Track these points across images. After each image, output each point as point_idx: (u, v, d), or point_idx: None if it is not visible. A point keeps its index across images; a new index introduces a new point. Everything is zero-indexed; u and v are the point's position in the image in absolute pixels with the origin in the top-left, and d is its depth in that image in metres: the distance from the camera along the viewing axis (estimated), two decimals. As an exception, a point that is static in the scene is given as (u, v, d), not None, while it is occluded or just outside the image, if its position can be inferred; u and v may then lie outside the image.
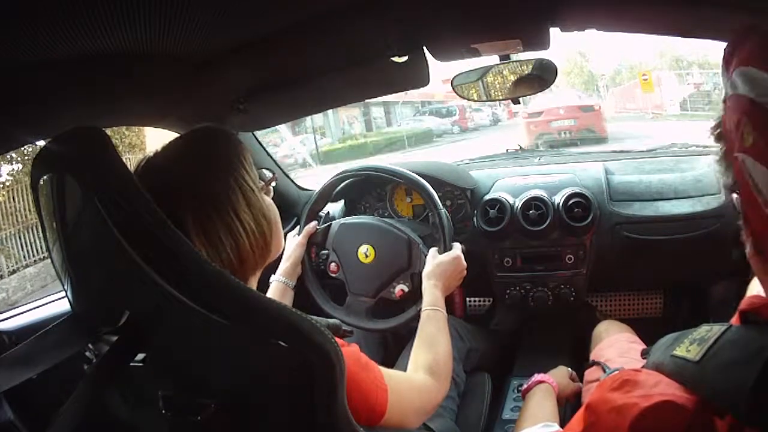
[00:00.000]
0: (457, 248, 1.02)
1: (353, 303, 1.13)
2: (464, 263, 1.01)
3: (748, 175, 0.35)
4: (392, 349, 1.29)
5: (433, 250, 1.02)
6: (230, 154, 0.59)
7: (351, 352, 0.61)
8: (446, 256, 0.99)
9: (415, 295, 1.05)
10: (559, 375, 0.97)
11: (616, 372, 0.44)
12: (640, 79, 11.36)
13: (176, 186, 0.55)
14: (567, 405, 0.97)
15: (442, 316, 0.88)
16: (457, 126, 13.93)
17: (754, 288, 0.85)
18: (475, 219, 1.32)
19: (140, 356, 0.51)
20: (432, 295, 0.92)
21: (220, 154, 0.59)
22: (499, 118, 15.45)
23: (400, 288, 1.09)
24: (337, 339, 0.54)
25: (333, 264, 1.16)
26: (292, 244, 1.13)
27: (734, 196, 0.43)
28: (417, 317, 0.90)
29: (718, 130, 0.40)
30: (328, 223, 1.17)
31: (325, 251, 1.17)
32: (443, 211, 1.07)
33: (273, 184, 0.66)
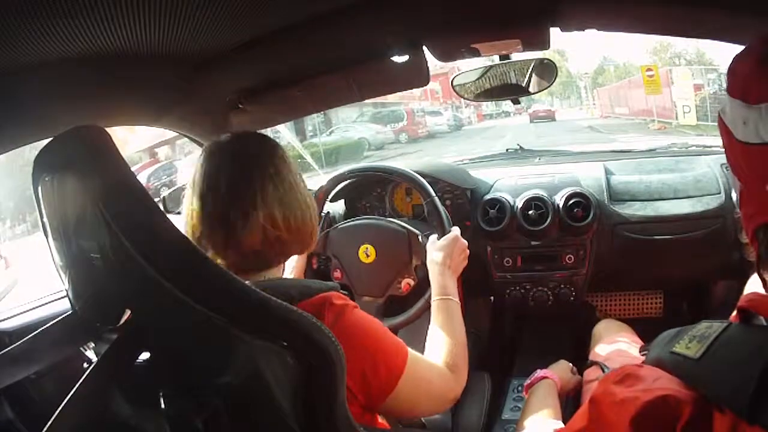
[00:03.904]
0: (455, 230, 1.00)
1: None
2: (464, 242, 0.98)
3: None
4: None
5: (432, 237, 1.00)
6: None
7: (370, 316, 0.64)
8: (445, 240, 0.97)
9: (422, 287, 1.04)
10: (561, 370, 0.97)
11: (619, 367, 0.44)
12: (643, 74, 9.51)
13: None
14: (568, 400, 0.97)
15: (453, 303, 0.86)
16: (405, 134, 11.61)
17: (753, 285, 0.85)
18: (475, 219, 1.32)
19: (145, 356, 0.51)
20: (439, 283, 0.89)
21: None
22: (462, 122, 13.36)
23: (406, 282, 1.09)
24: (350, 301, 0.60)
25: (337, 270, 1.15)
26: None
27: (735, 196, 0.43)
28: (426, 308, 0.88)
29: None
30: (325, 232, 1.17)
31: (326, 257, 1.17)
32: (436, 198, 1.07)
33: None
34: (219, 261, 0.63)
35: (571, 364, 1.00)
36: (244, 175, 0.62)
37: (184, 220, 0.64)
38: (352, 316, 0.62)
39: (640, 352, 0.92)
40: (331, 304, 0.60)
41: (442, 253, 0.94)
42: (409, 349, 0.66)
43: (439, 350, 0.77)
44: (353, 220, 1.18)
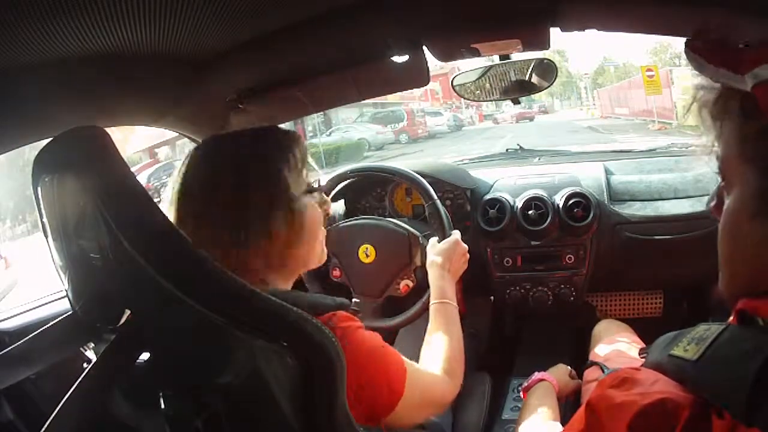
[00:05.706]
0: (455, 233, 1.00)
1: (360, 305, 1.13)
2: (465, 246, 0.98)
3: None
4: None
5: (432, 240, 1.00)
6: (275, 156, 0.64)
7: (373, 334, 0.63)
8: (445, 243, 0.97)
9: (421, 289, 1.05)
10: (559, 373, 0.97)
11: (616, 370, 0.44)
12: (643, 75, 9.54)
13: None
14: (567, 403, 0.97)
15: (451, 308, 0.86)
16: (405, 134, 11.74)
17: None
18: (475, 219, 1.32)
19: (145, 356, 0.51)
20: (438, 287, 0.89)
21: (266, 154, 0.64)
22: (462, 123, 13.40)
23: (405, 283, 1.09)
24: (355, 320, 0.59)
25: (336, 269, 1.15)
26: None
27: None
28: (425, 310, 0.89)
29: (742, 105, 0.38)
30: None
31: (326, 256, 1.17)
32: (437, 200, 1.07)
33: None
34: None
35: (569, 368, 1.01)
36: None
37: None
38: (356, 338, 0.61)
39: (639, 354, 0.92)
40: (335, 326, 0.59)
41: (442, 257, 0.94)
42: (407, 363, 0.66)
43: (436, 355, 0.77)
44: (353, 220, 1.18)
